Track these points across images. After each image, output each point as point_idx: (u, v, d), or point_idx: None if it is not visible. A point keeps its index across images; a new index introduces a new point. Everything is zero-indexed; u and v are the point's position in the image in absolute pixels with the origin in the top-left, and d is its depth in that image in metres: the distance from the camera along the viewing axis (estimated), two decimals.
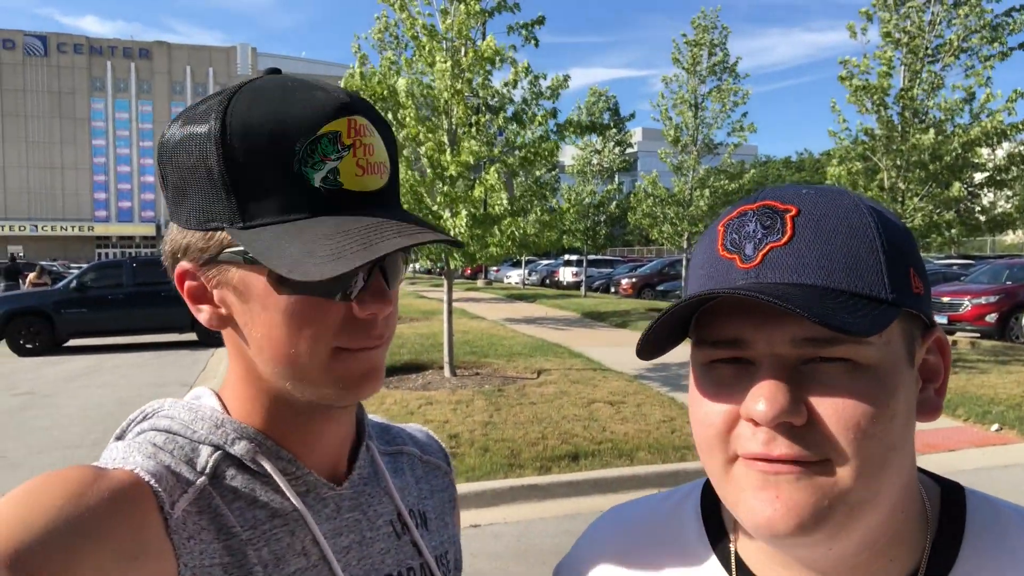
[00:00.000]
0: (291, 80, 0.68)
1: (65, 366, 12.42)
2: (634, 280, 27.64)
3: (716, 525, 0.73)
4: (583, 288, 27.74)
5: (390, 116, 9.03)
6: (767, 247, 0.58)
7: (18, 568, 0.50)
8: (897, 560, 0.63)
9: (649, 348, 0.63)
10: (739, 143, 17.72)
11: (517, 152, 9.24)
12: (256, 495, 0.68)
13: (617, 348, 13.03)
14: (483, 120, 9.03)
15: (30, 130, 68.09)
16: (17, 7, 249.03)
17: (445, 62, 8.48)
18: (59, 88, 68.65)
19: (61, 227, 68.14)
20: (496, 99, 9.27)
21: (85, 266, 18.27)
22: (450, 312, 9.49)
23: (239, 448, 0.69)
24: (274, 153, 0.62)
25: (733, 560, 0.69)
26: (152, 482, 0.61)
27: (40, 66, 68.35)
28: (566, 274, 34.36)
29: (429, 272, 48.24)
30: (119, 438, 0.71)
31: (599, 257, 34.85)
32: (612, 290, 29.34)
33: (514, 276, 38.57)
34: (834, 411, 0.55)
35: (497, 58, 8.74)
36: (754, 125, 17.27)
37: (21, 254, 41.17)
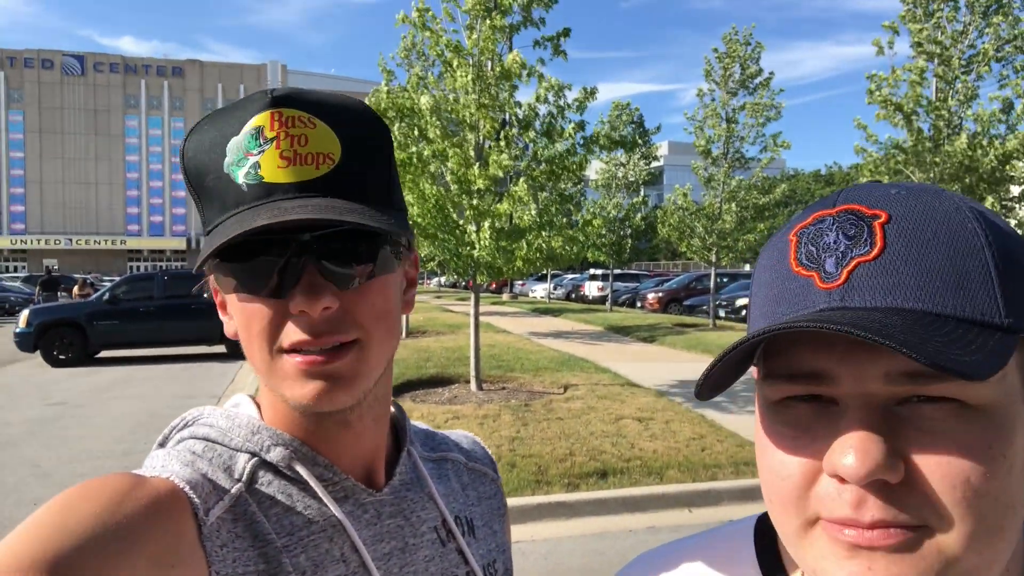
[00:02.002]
0: (247, 96, 0.68)
1: (97, 377, 12.59)
2: (660, 295, 27.44)
3: None
4: (609, 303, 27.62)
5: (416, 132, 9.06)
6: (853, 262, 0.48)
7: (56, 575, 0.50)
8: None
9: (710, 387, 0.53)
10: (772, 158, 17.56)
11: (543, 165, 9.23)
12: (293, 501, 0.68)
13: (644, 363, 12.90)
14: (511, 133, 9.03)
15: (66, 147, 69.82)
16: (58, 28, 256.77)
17: (466, 75, 8.49)
18: (95, 106, 70.39)
19: (95, 241, 69.63)
20: (524, 112, 9.26)
21: (117, 279, 18.58)
22: (477, 326, 9.47)
23: (275, 455, 0.68)
24: (212, 157, 0.64)
25: None
26: (188, 490, 0.61)
27: (77, 85, 70.17)
28: (591, 288, 34.24)
29: (455, 286, 48.44)
30: (161, 445, 0.72)
31: (625, 271, 34.72)
32: (638, 305, 29.15)
33: (539, 290, 38.55)
34: (939, 466, 0.45)
35: (524, 72, 8.75)
36: (788, 142, 17.11)
37: (55, 267, 42.08)
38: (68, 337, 14.18)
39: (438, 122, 8.66)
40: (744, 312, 22.51)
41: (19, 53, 69.10)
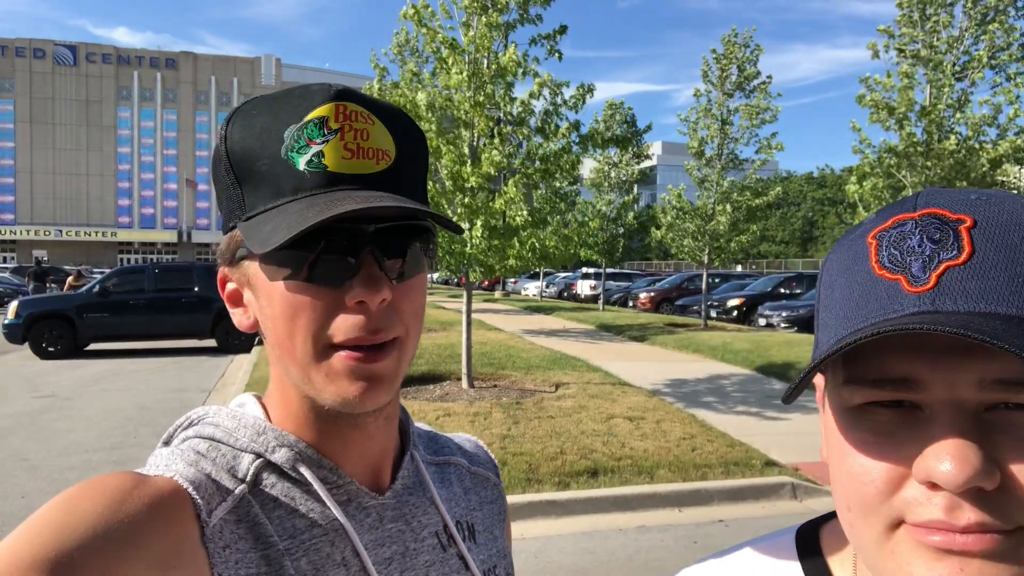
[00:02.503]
0: (299, 85, 0.69)
1: (86, 370, 12.52)
2: (653, 294, 27.51)
3: None
4: (601, 301, 27.66)
5: None
6: (942, 266, 0.48)
7: (57, 574, 0.50)
8: None
9: (800, 391, 0.53)
10: (766, 159, 17.61)
11: (537, 164, 9.22)
12: (296, 504, 0.67)
13: (635, 362, 12.92)
14: (505, 131, 9.02)
15: (57, 137, 69.27)
16: (51, 18, 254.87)
17: (461, 73, 8.48)
18: (87, 96, 69.84)
19: (85, 232, 69.14)
20: (520, 109, 9.25)
21: (108, 271, 18.50)
22: (469, 323, 9.46)
23: (279, 456, 0.68)
24: (265, 143, 0.64)
25: None
26: (191, 490, 0.61)
27: (69, 75, 69.60)
28: (584, 287, 34.30)
29: (447, 283, 48.41)
30: (166, 443, 0.72)
31: (617, 271, 34.79)
32: (630, 304, 29.23)
33: (532, 288, 38.57)
34: None
35: (519, 70, 8.74)
36: (782, 144, 17.18)
37: (45, 258, 41.83)
38: (57, 329, 14.09)
39: (433, 118, 8.65)
40: (735, 313, 22.67)
41: (10, 42, 68.48)
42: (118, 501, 0.56)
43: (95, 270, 37.72)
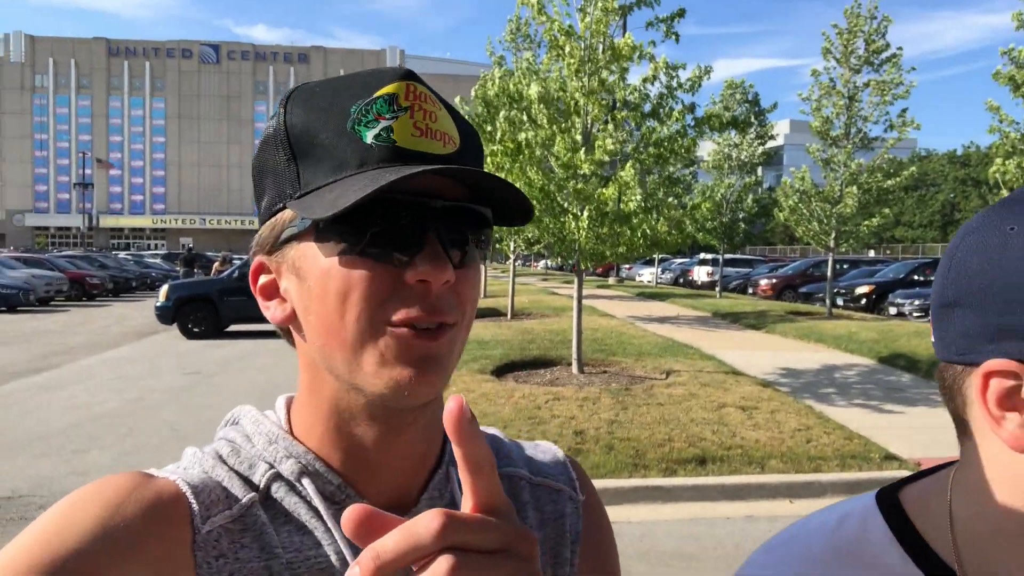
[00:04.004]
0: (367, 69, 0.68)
1: (227, 350, 13.56)
2: (774, 281, 26.50)
3: (927, 560, 0.61)
4: (718, 288, 26.94)
5: (524, 116, 9.19)
6: None
7: None
8: None
9: None
10: (899, 138, 16.51)
11: (652, 148, 9.14)
12: (302, 519, 0.64)
13: (751, 351, 12.59)
14: (620, 117, 8.98)
15: (202, 132, 74.75)
16: (198, 19, 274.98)
17: (574, 58, 8.51)
18: (227, 92, 74.88)
19: (226, 221, 74.30)
20: (633, 95, 9.18)
21: (246, 257, 19.84)
22: (580, 309, 9.54)
23: (286, 467, 0.65)
24: (329, 116, 0.61)
25: None
26: (190, 495, 0.60)
27: (212, 72, 74.83)
28: (700, 273, 33.52)
29: (561, 269, 48.55)
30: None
31: (736, 256, 33.73)
32: (750, 291, 28.31)
33: (646, 274, 38.08)
34: None
35: (635, 55, 8.67)
36: (917, 122, 16.04)
37: (191, 245, 45.34)
38: (202, 311, 15.28)
39: (546, 110, 8.74)
40: (863, 301, 21.47)
41: (163, 44, 74.41)
42: (116, 504, 0.57)
43: (235, 257, 40.53)
